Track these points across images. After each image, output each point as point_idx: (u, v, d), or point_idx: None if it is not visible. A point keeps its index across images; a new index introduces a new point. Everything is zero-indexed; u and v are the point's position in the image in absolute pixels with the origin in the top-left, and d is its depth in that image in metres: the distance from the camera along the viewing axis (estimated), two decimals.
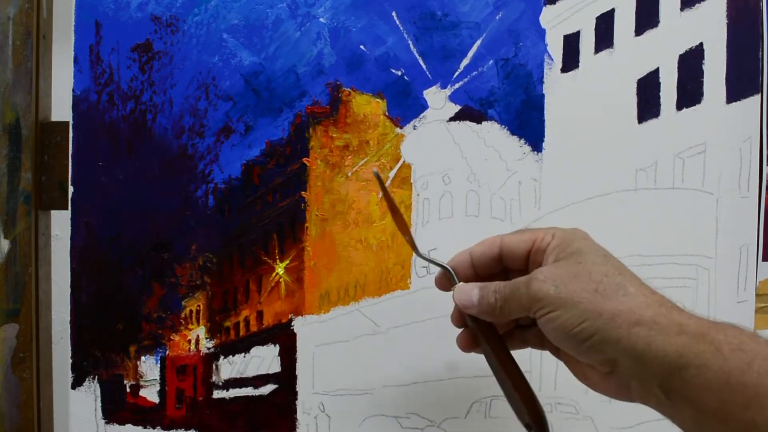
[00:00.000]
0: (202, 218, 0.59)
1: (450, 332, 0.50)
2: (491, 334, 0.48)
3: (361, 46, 0.59)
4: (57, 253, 0.61)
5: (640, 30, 0.60)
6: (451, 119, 0.60)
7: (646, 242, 0.61)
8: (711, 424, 0.38)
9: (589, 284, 0.42)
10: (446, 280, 0.49)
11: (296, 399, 0.60)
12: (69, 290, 0.58)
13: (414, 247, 0.51)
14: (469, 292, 0.47)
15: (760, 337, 0.39)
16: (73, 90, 0.58)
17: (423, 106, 0.60)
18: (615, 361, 0.41)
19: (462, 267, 0.50)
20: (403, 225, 0.52)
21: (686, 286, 0.61)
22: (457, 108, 0.60)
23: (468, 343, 0.50)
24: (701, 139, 0.61)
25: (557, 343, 0.44)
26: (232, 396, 0.60)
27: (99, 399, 0.59)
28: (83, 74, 0.58)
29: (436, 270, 0.50)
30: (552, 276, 0.43)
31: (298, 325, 0.60)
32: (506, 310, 0.45)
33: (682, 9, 0.61)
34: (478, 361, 0.60)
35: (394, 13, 0.59)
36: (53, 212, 0.60)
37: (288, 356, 0.59)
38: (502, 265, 0.49)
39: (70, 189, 0.58)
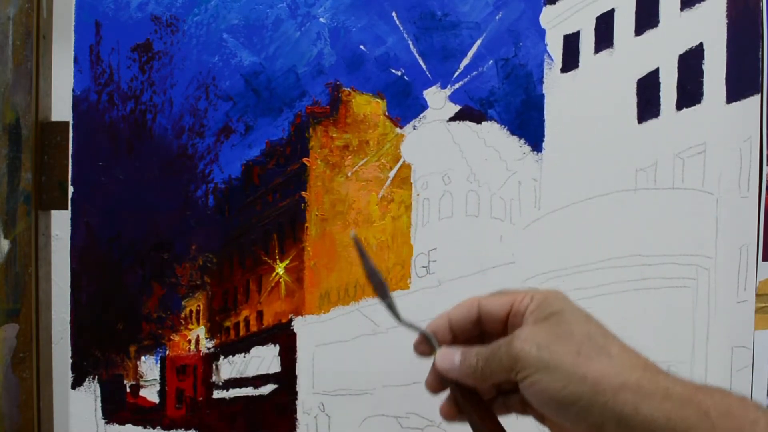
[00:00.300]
0: (202, 218, 0.59)
1: None
2: (475, 399, 0.47)
3: (361, 46, 0.59)
4: (57, 253, 0.61)
5: (640, 30, 0.60)
6: (451, 119, 0.60)
7: (646, 242, 0.61)
8: None
9: (572, 346, 0.41)
10: (426, 345, 0.49)
11: (296, 399, 0.60)
12: (69, 290, 0.58)
13: (395, 313, 0.50)
14: (451, 355, 0.47)
15: (748, 400, 0.39)
16: (73, 90, 0.58)
17: (423, 106, 0.60)
18: (601, 426, 0.40)
19: (441, 331, 0.49)
20: (381, 290, 0.51)
21: (686, 286, 0.61)
22: (457, 108, 0.60)
23: (451, 412, 0.49)
24: (701, 139, 0.61)
25: (540, 407, 0.43)
26: (232, 396, 0.60)
27: (99, 399, 0.59)
28: (83, 74, 0.58)
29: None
30: (533, 336, 0.42)
31: (298, 325, 0.60)
32: (487, 371, 0.45)
33: (682, 9, 0.60)
34: None
35: (394, 13, 0.59)
36: (53, 212, 0.60)
37: (288, 356, 0.59)
38: (480, 328, 0.48)
39: (70, 189, 0.58)
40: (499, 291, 0.47)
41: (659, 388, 0.39)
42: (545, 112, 0.60)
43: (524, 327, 0.43)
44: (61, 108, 0.60)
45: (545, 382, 0.41)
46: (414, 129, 0.60)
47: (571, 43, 0.60)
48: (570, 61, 0.60)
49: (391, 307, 0.50)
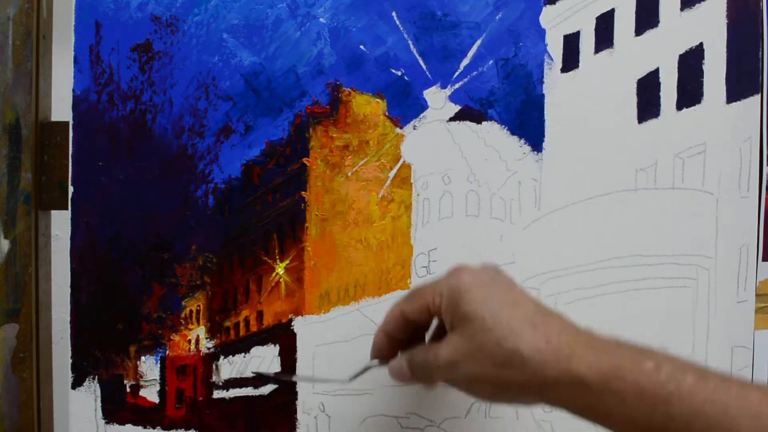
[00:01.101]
0: (202, 218, 0.59)
1: None
2: None
3: (361, 46, 0.59)
4: (57, 253, 0.61)
5: (640, 30, 0.60)
6: (451, 119, 0.60)
7: (646, 242, 0.61)
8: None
9: (487, 359, 0.43)
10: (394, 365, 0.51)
11: (296, 399, 0.60)
12: (69, 290, 0.58)
13: (343, 381, 0.54)
14: (399, 368, 0.50)
15: (651, 351, 0.41)
16: (73, 90, 0.58)
17: (423, 106, 0.60)
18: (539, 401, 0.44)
19: (385, 347, 0.52)
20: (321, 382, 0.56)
21: (686, 286, 0.61)
22: (457, 108, 0.60)
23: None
24: (701, 139, 0.61)
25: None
26: (232, 396, 0.60)
27: (99, 399, 0.59)
28: (83, 74, 0.58)
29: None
30: (453, 359, 0.45)
31: (298, 325, 0.60)
32: (429, 379, 0.48)
33: (682, 9, 0.61)
34: None
35: (394, 13, 0.59)
36: (53, 212, 0.60)
37: (288, 356, 0.59)
38: (417, 325, 0.51)
39: (70, 189, 0.58)
40: (412, 291, 0.50)
41: (572, 376, 0.40)
42: (545, 112, 0.60)
43: (444, 341, 0.46)
44: (61, 108, 0.60)
45: (475, 395, 0.46)
46: (414, 129, 0.60)
47: (571, 43, 0.60)
48: (570, 61, 0.60)
49: (328, 382, 0.56)
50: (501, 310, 0.43)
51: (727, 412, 0.36)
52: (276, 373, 0.59)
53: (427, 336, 0.52)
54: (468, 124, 0.60)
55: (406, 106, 0.59)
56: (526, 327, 0.42)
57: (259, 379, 0.59)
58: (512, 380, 0.42)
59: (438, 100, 0.60)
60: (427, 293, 0.48)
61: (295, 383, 0.60)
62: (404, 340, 0.51)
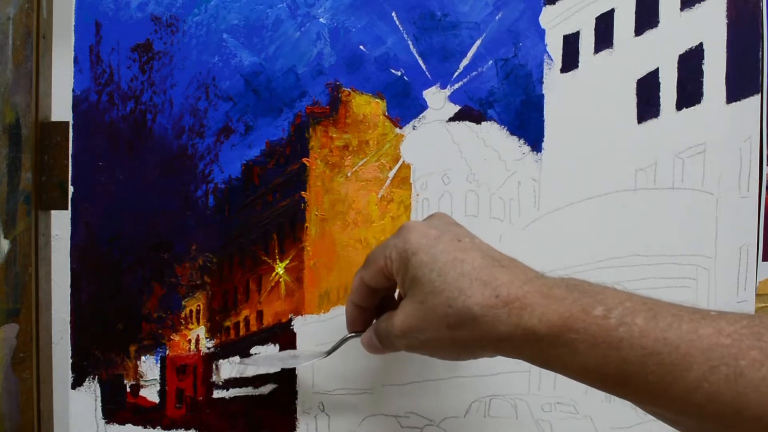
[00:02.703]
0: (202, 218, 0.59)
1: None
2: None
3: (361, 47, 0.59)
4: (57, 253, 0.61)
5: (639, 30, 0.60)
6: (451, 119, 0.60)
7: (646, 242, 0.61)
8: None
9: (440, 322, 0.43)
10: (366, 337, 0.52)
11: (296, 398, 0.60)
12: (69, 290, 0.58)
13: (320, 355, 0.56)
14: (370, 339, 0.50)
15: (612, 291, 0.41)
16: (73, 90, 0.58)
17: (422, 107, 0.60)
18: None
19: (357, 318, 0.52)
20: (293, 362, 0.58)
21: (686, 286, 0.61)
22: (456, 108, 0.60)
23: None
24: (701, 139, 0.61)
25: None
26: (232, 396, 0.60)
27: (99, 399, 0.59)
28: (83, 74, 0.58)
29: None
30: (407, 325, 0.45)
31: (298, 324, 0.60)
32: (392, 347, 0.48)
33: (682, 9, 0.61)
34: (477, 360, 0.60)
35: (393, 14, 0.59)
36: (53, 212, 0.60)
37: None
38: (384, 290, 0.51)
39: (70, 189, 0.58)
40: (368, 257, 0.50)
41: (519, 327, 0.40)
42: (545, 112, 0.60)
43: (399, 307, 0.46)
44: (61, 108, 0.60)
45: (437, 356, 0.47)
46: (414, 129, 0.60)
47: (571, 43, 0.60)
48: (570, 61, 0.60)
49: (311, 358, 0.56)
50: (448, 270, 0.43)
51: (679, 349, 0.36)
52: (253, 359, 0.59)
53: None
54: (467, 125, 0.60)
55: (405, 107, 0.59)
56: (475, 284, 0.42)
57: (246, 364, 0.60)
58: (468, 339, 0.42)
59: (437, 100, 0.60)
60: (379, 258, 0.47)
61: (295, 384, 0.60)
62: (374, 308, 0.52)
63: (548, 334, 0.39)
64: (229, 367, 0.60)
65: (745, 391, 0.34)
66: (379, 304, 0.52)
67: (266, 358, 0.59)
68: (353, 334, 0.53)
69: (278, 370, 0.59)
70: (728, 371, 0.34)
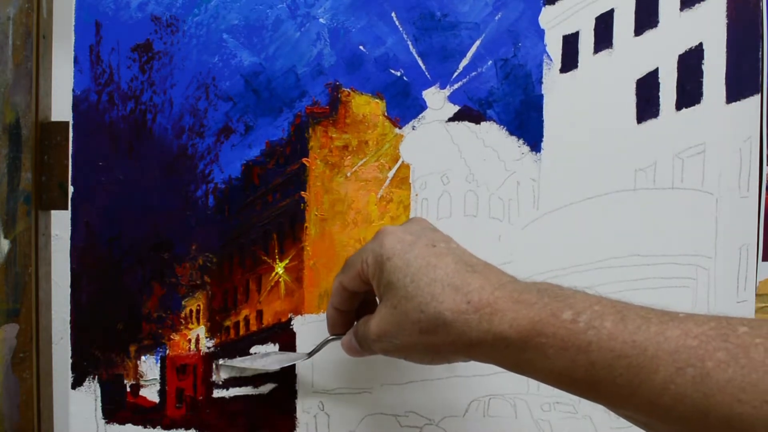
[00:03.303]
0: (202, 218, 0.59)
1: None
2: None
3: (361, 47, 0.59)
4: (57, 253, 0.61)
5: (639, 30, 0.60)
6: (450, 119, 0.60)
7: (645, 242, 0.61)
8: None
9: (413, 327, 0.43)
10: (347, 340, 0.52)
11: (296, 398, 0.60)
12: (69, 290, 0.58)
13: (302, 356, 0.57)
14: (349, 342, 0.51)
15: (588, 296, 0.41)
16: (73, 90, 0.58)
17: (422, 107, 0.60)
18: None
19: (338, 321, 0.53)
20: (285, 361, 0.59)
21: (686, 286, 0.61)
22: (456, 108, 0.60)
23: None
24: (701, 139, 0.61)
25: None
26: (232, 395, 0.60)
27: (99, 399, 0.59)
28: (83, 74, 0.58)
29: None
30: (381, 330, 0.46)
31: (298, 324, 0.60)
32: (369, 351, 0.49)
33: (681, 9, 0.60)
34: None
35: (393, 14, 0.59)
36: (53, 212, 0.60)
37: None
38: (363, 293, 0.52)
39: (70, 189, 0.58)
40: (346, 261, 0.50)
41: (493, 334, 0.41)
42: (544, 113, 0.60)
43: (375, 312, 0.47)
44: (61, 108, 0.60)
45: (412, 359, 0.47)
46: (413, 129, 0.60)
47: (571, 43, 0.60)
48: (569, 61, 0.60)
49: (293, 360, 0.58)
50: (421, 275, 0.43)
51: (646, 351, 0.36)
52: (234, 360, 0.60)
53: None
54: (467, 125, 0.60)
55: (405, 107, 0.60)
56: (447, 290, 0.42)
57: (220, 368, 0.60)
58: (440, 344, 0.42)
59: (437, 100, 0.60)
60: (357, 262, 0.48)
61: (294, 383, 0.60)
62: (355, 311, 0.53)
63: (518, 339, 0.39)
64: (229, 367, 0.60)
65: (711, 392, 0.34)
66: (360, 307, 0.53)
67: (243, 361, 0.59)
68: (334, 336, 0.54)
69: (260, 371, 0.59)
70: (695, 372, 0.34)
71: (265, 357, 0.59)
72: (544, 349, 0.39)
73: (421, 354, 0.45)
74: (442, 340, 0.42)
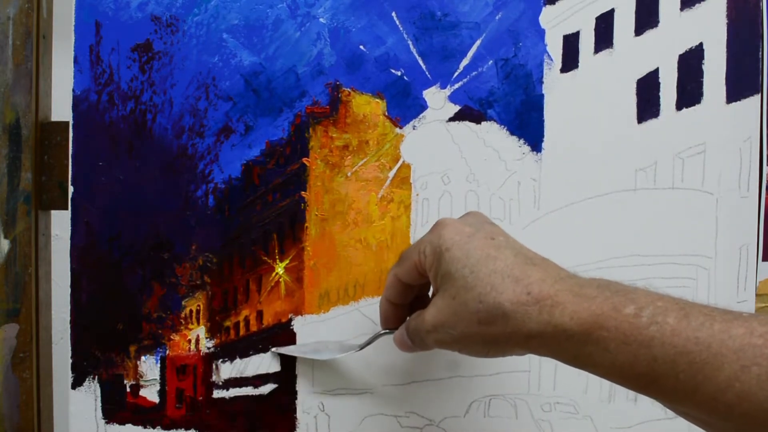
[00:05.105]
0: (202, 218, 0.59)
1: None
2: None
3: (361, 47, 0.59)
4: (57, 253, 0.61)
5: (639, 30, 0.60)
6: (451, 119, 0.60)
7: (645, 242, 0.61)
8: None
9: (471, 317, 0.43)
10: (399, 334, 0.52)
11: (296, 398, 0.60)
12: (69, 290, 0.58)
13: (355, 348, 0.56)
14: (401, 336, 0.51)
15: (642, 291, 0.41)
16: (73, 90, 0.58)
17: (422, 107, 0.60)
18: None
19: (391, 315, 0.53)
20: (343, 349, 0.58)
21: (686, 286, 0.61)
22: (456, 108, 0.60)
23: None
24: (701, 139, 0.61)
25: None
26: (232, 395, 0.60)
27: (99, 399, 0.59)
28: (83, 74, 0.58)
29: None
30: (438, 321, 0.45)
31: (298, 324, 0.60)
32: (422, 346, 0.49)
33: (682, 9, 0.61)
34: (477, 360, 0.60)
35: (393, 14, 0.59)
36: (53, 212, 0.60)
37: (288, 356, 0.59)
38: (418, 287, 0.52)
39: (70, 189, 0.58)
40: (402, 253, 0.50)
41: (553, 326, 0.41)
42: (545, 113, 0.60)
43: (431, 303, 0.46)
44: (61, 108, 0.60)
45: (467, 352, 0.46)
46: (413, 129, 0.60)
47: (571, 43, 0.60)
48: (569, 61, 0.60)
49: (343, 351, 0.57)
50: (480, 266, 0.43)
51: (710, 348, 0.36)
52: (287, 348, 0.59)
53: None
54: (467, 124, 0.60)
55: (405, 107, 0.60)
56: (507, 281, 0.42)
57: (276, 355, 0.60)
58: (499, 335, 0.42)
59: (437, 100, 0.60)
60: (414, 254, 0.48)
61: (294, 383, 0.60)
62: (408, 306, 0.52)
63: (579, 332, 0.39)
64: (229, 367, 0.60)
65: None
66: (413, 303, 0.52)
67: (296, 349, 0.59)
68: (386, 330, 0.54)
69: (281, 366, 0.59)
70: (760, 371, 0.34)
71: (316, 346, 0.59)
72: (605, 343, 0.39)
73: (478, 346, 0.45)
74: (501, 331, 0.42)
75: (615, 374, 0.39)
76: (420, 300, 0.53)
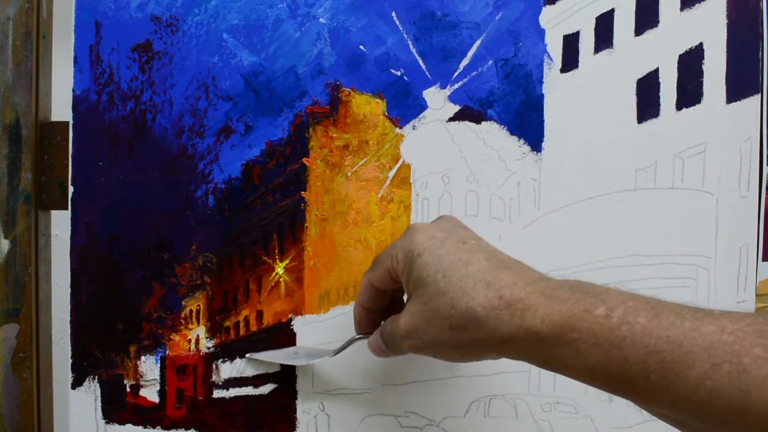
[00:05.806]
0: (202, 218, 0.59)
1: None
2: None
3: (361, 47, 0.59)
4: (57, 253, 0.61)
5: (639, 30, 0.60)
6: (451, 119, 0.60)
7: (645, 242, 0.61)
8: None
9: (444, 323, 0.43)
10: (373, 340, 0.52)
11: (296, 398, 0.60)
12: (69, 290, 0.58)
13: (328, 353, 0.57)
14: (375, 341, 0.51)
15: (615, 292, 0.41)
16: (73, 90, 0.58)
17: (422, 107, 0.60)
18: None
19: (365, 320, 0.53)
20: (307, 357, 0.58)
21: (686, 286, 0.61)
22: (456, 108, 0.60)
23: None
24: (701, 139, 0.61)
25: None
26: (232, 395, 0.60)
27: (99, 399, 0.59)
28: (83, 74, 0.58)
29: None
30: (411, 327, 0.45)
31: (298, 324, 0.60)
32: (396, 350, 0.49)
33: (682, 9, 0.60)
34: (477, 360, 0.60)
35: (393, 14, 0.59)
36: (53, 212, 0.60)
37: None
38: (392, 292, 0.52)
39: (70, 189, 0.58)
40: (375, 258, 0.50)
41: (525, 330, 0.41)
42: (545, 113, 0.60)
43: (404, 309, 0.46)
44: (61, 108, 0.60)
45: (441, 357, 0.46)
46: (413, 129, 0.60)
47: (571, 43, 0.60)
48: (569, 61, 0.60)
49: (317, 357, 0.57)
50: (452, 271, 0.43)
51: (681, 347, 0.36)
52: (261, 354, 0.59)
53: None
54: (467, 124, 0.60)
55: (405, 107, 0.59)
56: (479, 285, 0.42)
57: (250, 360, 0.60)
58: (472, 340, 0.42)
59: (437, 100, 0.60)
60: (386, 259, 0.48)
61: (295, 383, 0.60)
62: (382, 311, 0.52)
63: (550, 335, 0.39)
64: (229, 367, 0.60)
65: (748, 388, 0.34)
66: (387, 308, 0.52)
67: (271, 355, 0.59)
68: (360, 336, 0.54)
69: (281, 366, 0.59)
70: (731, 369, 0.34)
71: (291, 351, 0.59)
72: (576, 345, 0.39)
73: (451, 351, 0.45)
74: (474, 336, 0.42)
75: (587, 376, 0.39)
76: (395, 304, 0.53)
